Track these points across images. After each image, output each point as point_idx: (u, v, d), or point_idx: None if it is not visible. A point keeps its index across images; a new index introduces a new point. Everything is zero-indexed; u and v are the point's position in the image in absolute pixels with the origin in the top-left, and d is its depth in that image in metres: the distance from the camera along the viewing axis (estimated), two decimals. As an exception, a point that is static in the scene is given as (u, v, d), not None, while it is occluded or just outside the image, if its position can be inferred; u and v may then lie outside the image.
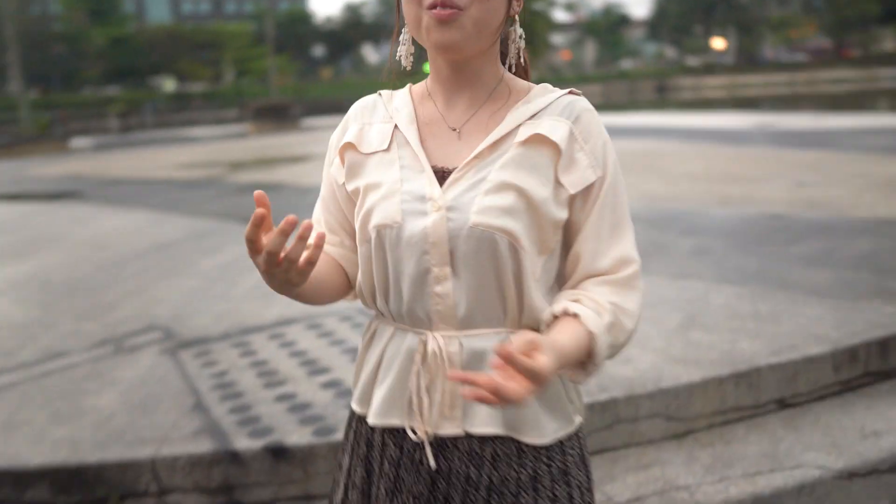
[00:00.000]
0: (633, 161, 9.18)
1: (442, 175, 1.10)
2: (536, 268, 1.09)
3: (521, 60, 1.19)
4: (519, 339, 0.92)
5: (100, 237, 6.85)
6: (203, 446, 2.62)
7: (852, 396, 3.02)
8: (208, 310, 4.25)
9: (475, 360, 1.09)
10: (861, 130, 12.44)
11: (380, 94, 1.23)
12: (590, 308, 1.06)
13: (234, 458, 2.59)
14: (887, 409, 2.90)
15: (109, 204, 9.05)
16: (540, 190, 1.06)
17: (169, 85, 57.67)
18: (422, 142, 1.13)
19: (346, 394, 2.98)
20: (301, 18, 68.51)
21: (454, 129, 1.13)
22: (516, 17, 1.12)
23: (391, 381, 1.15)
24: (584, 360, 1.05)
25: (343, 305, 4.12)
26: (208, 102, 49.77)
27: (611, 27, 74.34)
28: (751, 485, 2.47)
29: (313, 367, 3.28)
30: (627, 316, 1.09)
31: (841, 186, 6.84)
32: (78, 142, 25.07)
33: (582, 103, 1.12)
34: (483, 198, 1.05)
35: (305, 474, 2.60)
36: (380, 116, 1.19)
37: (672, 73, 66.30)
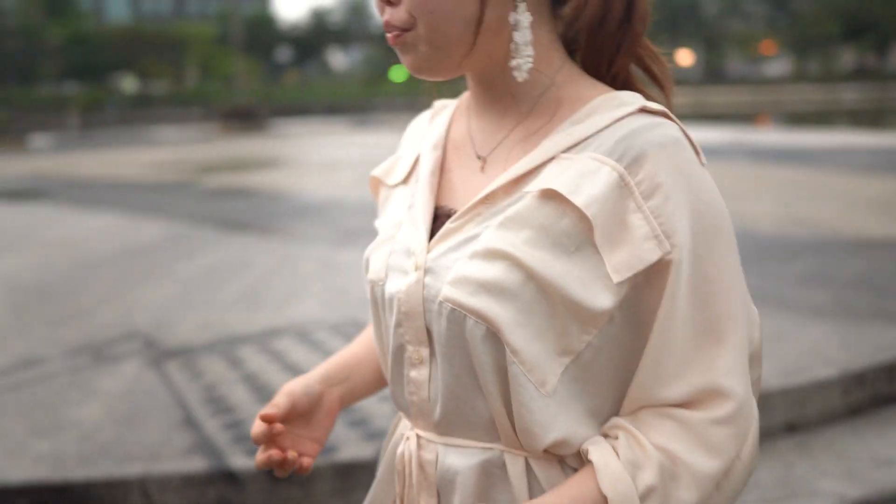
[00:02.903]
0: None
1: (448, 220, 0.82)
2: (548, 375, 0.73)
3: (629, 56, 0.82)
4: None
5: (69, 239, 6.59)
6: (197, 464, 2.48)
7: (861, 421, 2.98)
8: (191, 318, 4.08)
9: (447, 480, 0.80)
10: (837, 149, 12.63)
11: (433, 106, 0.97)
12: (622, 454, 0.72)
13: (230, 477, 2.46)
14: (897, 435, 2.87)
15: (77, 204, 8.76)
16: (555, 265, 0.71)
17: (129, 84, 56.70)
18: (446, 172, 0.86)
19: (344, 412, 2.85)
20: (265, 21, 68.03)
21: (480, 157, 0.84)
22: (516, 2, 0.75)
23: (380, 474, 0.94)
24: None
25: (333, 315, 4.00)
26: (171, 103, 49.10)
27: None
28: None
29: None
30: (690, 478, 0.70)
31: (827, 205, 6.90)
32: (37, 139, 24.44)
33: (653, 133, 0.73)
34: (465, 263, 0.74)
35: (305, 495, 2.49)
36: (418, 139, 0.95)
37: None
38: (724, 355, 0.72)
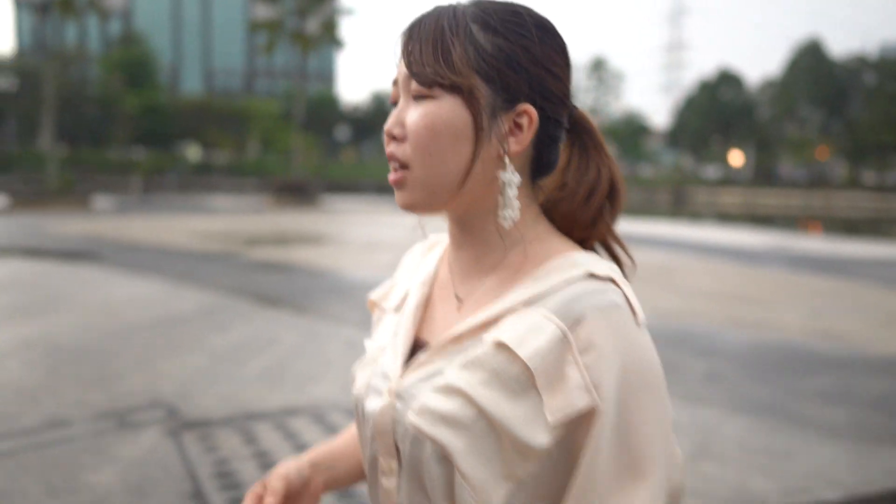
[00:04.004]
0: (644, 273, 9.21)
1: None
2: (492, 496, 0.83)
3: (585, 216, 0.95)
4: None
5: (112, 303, 6.88)
6: (197, 539, 2.56)
7: (866, 547, 2.92)
8: (214, 391, 4.22)
9: None
10: (878, 260, 12.49)
11: (429, 239, 1.09)
12: None
13: (227, 555, 2.53)
14: (902, 566, 2.81)
15: (125, 269, 9.13)
16: (503, 405, 0.82)
17: (194, 152, 59.05)
18: (429, 307, 0.98)
19: (347, 495, 2.92)
20: (328, 102, 70.66)
21: (458, 298, 0.95)
22: (506, 161, 0.87)
23: None
24: None
25: (349, 398, 4.09)
26: (231, 173, 50.89)
27: (631, 135, 76.13)
28: None
29: (315, 464, 3.22)
30: None
31: (857, 319, 6.80)
32: (100, 201, 25.49)
33: (595, 298, 0.83)
34: (429, 395, 0.86)
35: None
36: (412, 269, 1.07)
37: (689, 182, 67.45)
38: (644, 492, 0.80)
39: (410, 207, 0.90)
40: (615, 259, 0.97)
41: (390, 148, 0.88)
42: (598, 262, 0.88)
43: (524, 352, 0.81)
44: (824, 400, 4.17)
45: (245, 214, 21.46)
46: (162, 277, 8.43)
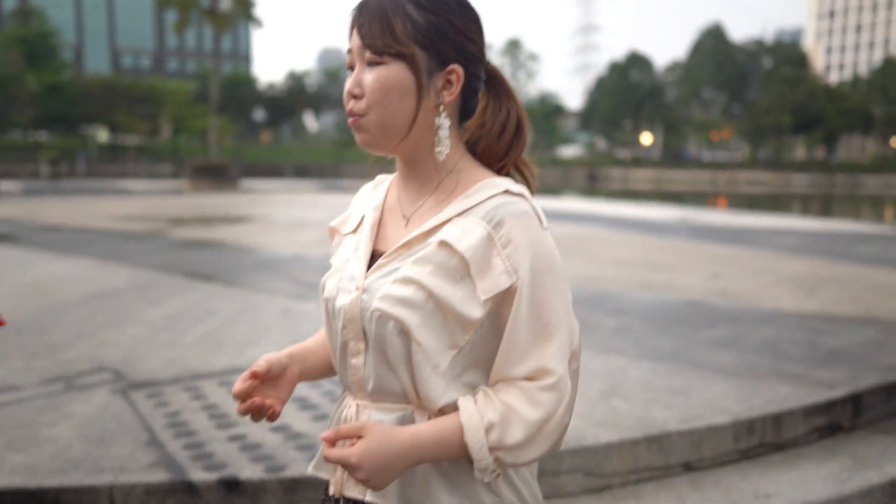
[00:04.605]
0: (564, 244, 9.72)
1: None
2: (441, 360, 1.10)
3: (499, 150, 1.22)
4: (346, 427, 1.08)
5: (41, 281, 6.85)
6: (159, 476, 2.78)
7: (749, 464, 3.40)
8: (157, 356, 4.39)
9: None
10: (771, 230, 13.49)
11: (375, 179, 1.36)
12: (478, 402, 1.09)
13: (189, 488, 2.77)
14: (778, 476, 3.29)
15: (48, 250, 9.00)
16: (446, 289, 1.09)
17: (102, 135, 56.84)
18: (381, 227, 1.23)
19: (294, 436, 3.19)
20: (244, 82, 69.03)
21: (405, 217, 1.21)
22: (440, 109, 1.14)
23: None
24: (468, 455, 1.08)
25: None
26: (142, 156, 49.28)
27: (546, 115, 77.38)
28: (658, 532, 2.79)
29: (264, 413, 3.47)
30: (519, 421, 1.07)
31: (751, 280, 7.47)
32: (5, 185, 24.42)
33: (511, 207, 1.11)
34: (389, 286, 1.11)
35: (255, 507, 2.79)
36: (364, 201, 1.32)
37: (603, 163, 69.34)
38: (551, 348, 1.09)
39: (367, 145, 1.15)
40: (525, 182, 1.28)
41: (350, 105, 1.17)
42: (513, 184, 1.16)
43: (461, 247, 1.09)
44: (718, 346, 4.69)
45: (164, 196, 21.03)
46: (89, 257, 8.37)
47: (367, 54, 1.12)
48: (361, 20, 1.13)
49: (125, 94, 55.58)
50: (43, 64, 50.08)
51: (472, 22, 1.18)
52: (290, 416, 3.44)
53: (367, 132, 1.14)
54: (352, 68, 1.17)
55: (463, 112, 1.21)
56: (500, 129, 1.21)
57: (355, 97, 1.15)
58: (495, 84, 1.23)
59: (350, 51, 1.16)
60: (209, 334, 4.90)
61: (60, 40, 57.50)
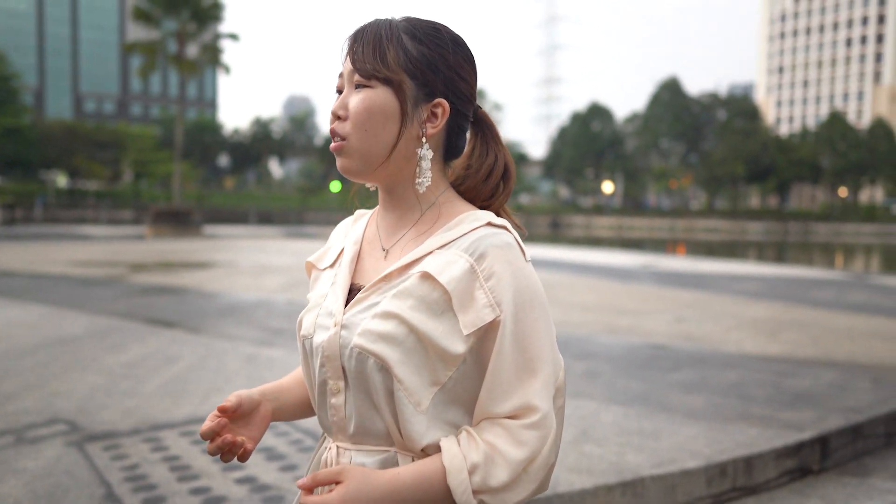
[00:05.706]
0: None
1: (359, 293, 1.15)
2: (422, 398, 1.06)
3: (498, 188, 1.21)
4: (324, 472, 1.04)
5: (-8, 328, 6.62)
6: (117, 534, 2.66)
7: (721, 508, 3.37)
8: (115, 405, 4.24)
9: None
10: (731, 276, 13.74)
11: (354, 214, 1.34)
12: (461, 443, 1.06)
13: (148, 546, 2.65)
14: (751, 521, 3.27)
15: (0, 295, 8.74)
16: (427, 323, 1.05)
17: (61, 180, 56.02)
18: (360, 260, 1.21)
19: (261, 488, 3.09)
20: (209, 127, 68.88)
21: (384, 249, 1.18)
22: (423, 140, 1.13)
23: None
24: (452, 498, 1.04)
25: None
26: (103, 201, 48.59)
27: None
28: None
29: (227, 464, 3.35)
30: (504, 461, 1.03)
31: (713, 323, 7.55)
32: (-42, 230, 23.78)
33: (494, 239, 1.08)
34: (369, 321, 1.07)
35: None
36: (343, 235, 1.30)
37: (565, 210, 70.38)
38: (536, 383, 1.06)
39: (347, 171, 1.13)
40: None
41: (334, 125, 1.15)
42: (494, 216, 1.14)
43: (443, 279, 1.06)
44: (686, 389, 4.69)
45: (124, 242, 20.66)
46: (44, 303, 8.13)
47: (356, 77, 1.12)
48: (356, 45, 1.13)
49: (87, 138, 55.06)
50: (2, 108, 49.44)
51: (465, 61, 1.17)
52: (257, 466, 3.33)
53: (348, 156, 1.12)
54: (340, 92, 1.16)
55: (448, 148, 1.19)
56: (487, 173, 1.20)
57: (339, 118, 1.14)
58: (483, 128, 1.23)
59: (341, 75, 1.16)
60: (171, 382, 4.76)
61: (22, 83, 56.94)
